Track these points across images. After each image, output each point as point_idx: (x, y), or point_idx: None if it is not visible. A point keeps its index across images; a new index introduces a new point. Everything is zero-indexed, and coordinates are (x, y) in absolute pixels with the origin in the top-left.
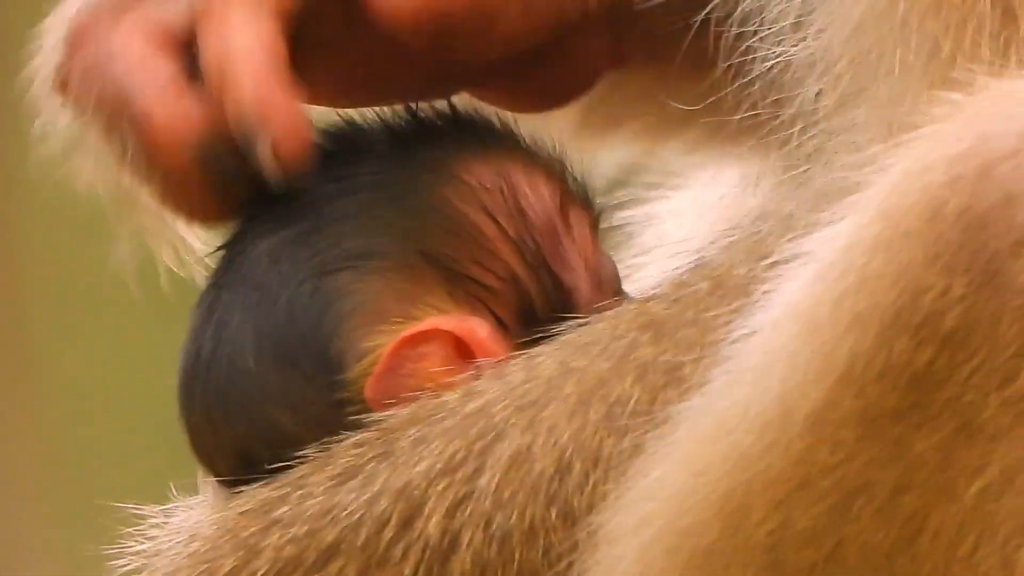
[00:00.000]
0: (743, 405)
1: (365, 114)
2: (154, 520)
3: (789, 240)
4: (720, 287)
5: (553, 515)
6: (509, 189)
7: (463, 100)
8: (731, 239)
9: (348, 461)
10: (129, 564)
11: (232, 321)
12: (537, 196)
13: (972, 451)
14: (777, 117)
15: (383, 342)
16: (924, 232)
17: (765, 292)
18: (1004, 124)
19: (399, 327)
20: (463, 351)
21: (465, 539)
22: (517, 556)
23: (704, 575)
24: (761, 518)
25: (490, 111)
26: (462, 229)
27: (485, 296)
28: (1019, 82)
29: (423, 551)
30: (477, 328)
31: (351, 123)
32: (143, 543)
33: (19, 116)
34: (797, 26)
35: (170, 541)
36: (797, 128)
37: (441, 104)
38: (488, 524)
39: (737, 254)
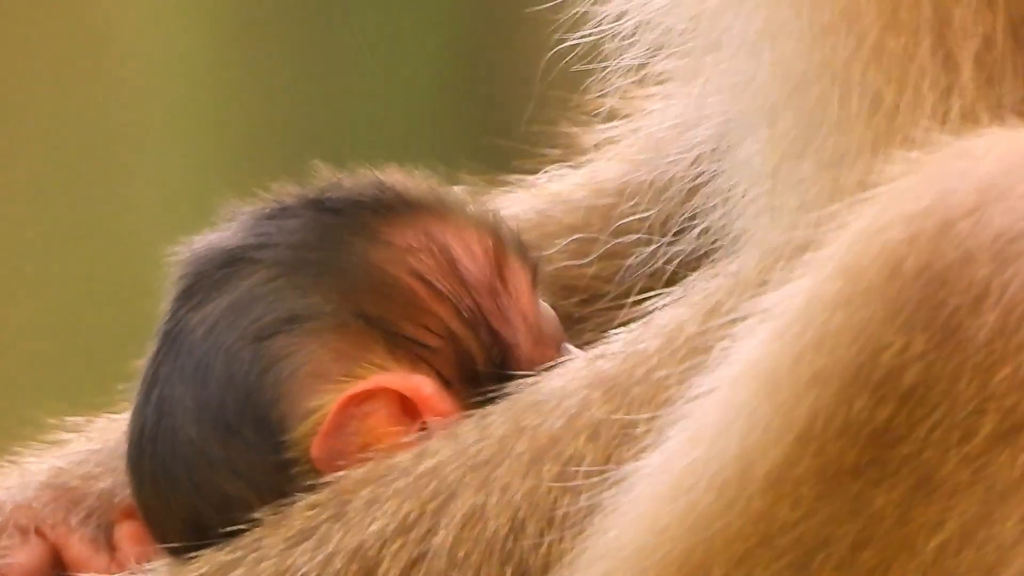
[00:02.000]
0: (702, 463)
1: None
2: None
3: (741, 297)
4: (670, 344)
5: (508, 574)
6: (440, 250)
7: (387, 171)
8: (681, 296)
9: (301, 523)
10: None
11: (172, 394)
12: (470, 255)
13: (931, 507)
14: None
15: (327, 401)
16: (884, 289)
17: (722, 350)
18: (962, 182)
19: (343, 386)
20: (409, 409)
21: None
22: None
23: None
24: (722, 575)
25: (416, 177)
26: (394, 291)
27: (425, 354)
28: (975, 140)
29: None
30: (422, 385)
31: (276, 193)
32: None
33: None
34: (741, 82)
35: None
36: (739, 182)
37: (365, 174)
38: None
39: (687, 311)
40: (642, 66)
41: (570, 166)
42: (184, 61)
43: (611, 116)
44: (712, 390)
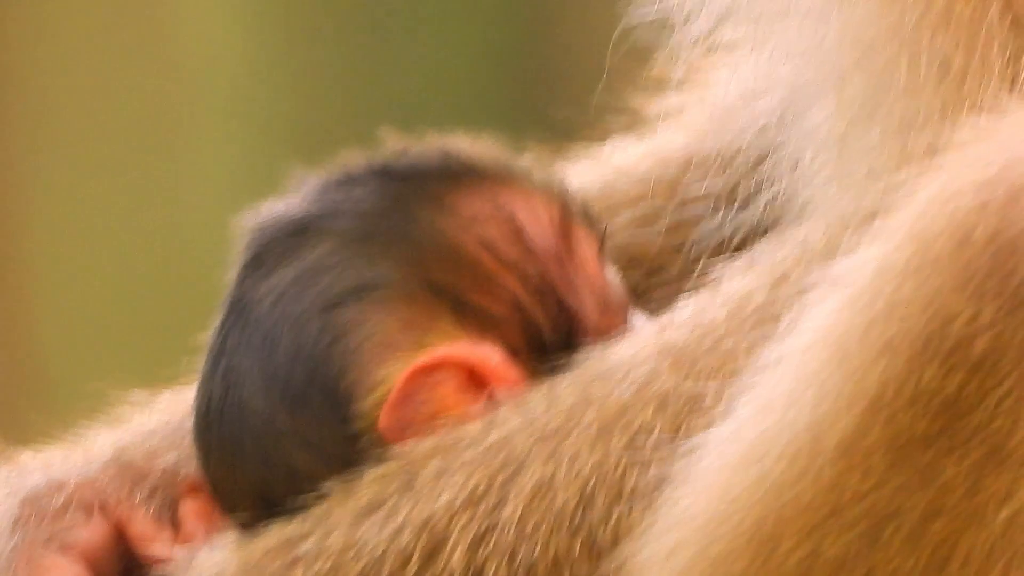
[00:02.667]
0: (773, 432)
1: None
2: (181, 559)
3: (809, 266)
4: (738, 313)
5: (578, 547)
6: (506, 219)
7: (453, 139)
8: (748, 265)
9: (370, 495)
10: None
11: (239, 365)
12: (536, 224)
13: (1001, 477)
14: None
15: (395, 371)
16: (953, 258)
17: (791, 319)
18: None
19: (411, 356)
20: (476, 379)
21: (490, 572)
22: None
23: None
24: (792, 546)
25: (482, 145)
26: (461, 260)
27: (492, 324)
28: None
29: None
30: (490, 355)
31: (343, 161)
32: None
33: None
34: (808, 49)
35: None
36: (807, 151)
37: (431, 142)
38: (512, 557)
39: (754, 280)
40: (709, 35)
41: (635, 137)
42: (249, 28)
43: (677, 86)
44: (782, 359)
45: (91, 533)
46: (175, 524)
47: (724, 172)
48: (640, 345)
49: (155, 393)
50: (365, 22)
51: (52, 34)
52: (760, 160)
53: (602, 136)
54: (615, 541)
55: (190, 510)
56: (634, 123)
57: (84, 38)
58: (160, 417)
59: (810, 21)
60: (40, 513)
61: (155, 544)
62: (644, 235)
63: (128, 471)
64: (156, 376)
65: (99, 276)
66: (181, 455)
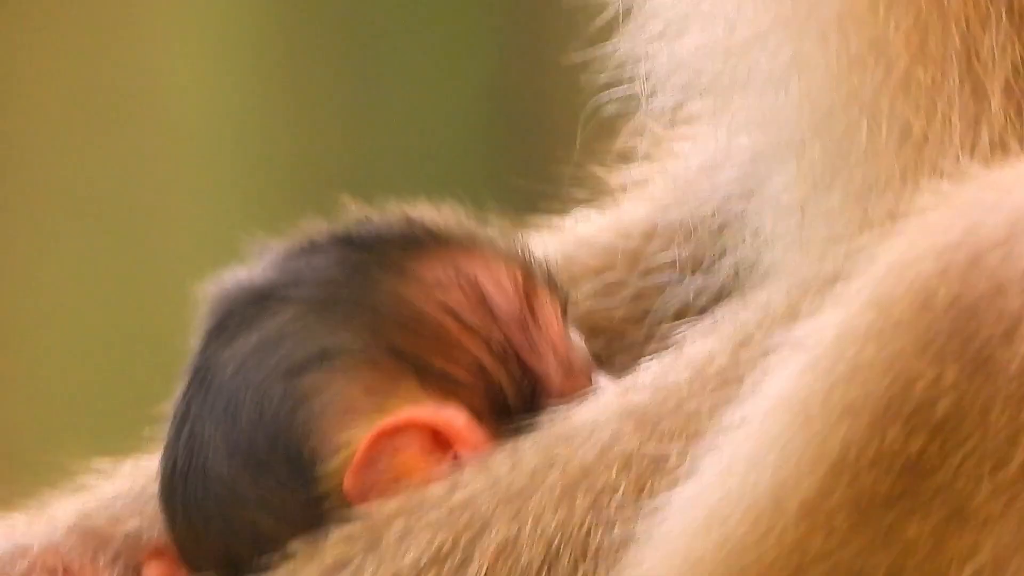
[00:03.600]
0: (735, 495)
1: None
2: None
3: (771, 329)
4: (700, 375)
5: None
6: (469, 284)
7: (415, 207)
8: (710, 327)
9: (336, 555)
10: None
11: (203, 431)
12: (499, 288)
13: (964, 537)
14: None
15: (359, 435)
16: (915, 321)
17: (753, 381)
18: (993, 214)
19: (374, 419)
20: (440, 442)
21: None
22: None
23: None
24: None
25: (444, 212)
26: (424, 325)
27: (456, 388)
28: (1005, 171)
29: None
30: (453, 418)
31: (304, 230)
32: None
33: None
34: (768, 117)
35: None
36: (768, 217)
37: (393, 210)
38: None
39: (717, 343)
40: (673, 108)
41: (596, 208)
42: (215, 100)
43: (638, 158)
44: (744, 422)
45: None
46: None
47: (687, 241)
48: (603, 407)
49: (118, 462)
50: (326, 95)
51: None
52: (723, 228)
53: (565, 207)
54: None
55: (153, 574)
56: (597, 194)
57: (63, 93)
58: (123, 484)
59: (770, 89)
60: None
61: None
62: (606, 305)
63: (91, 536)
64: (117, 447)
65: (59, 345)
66: (144, 521)
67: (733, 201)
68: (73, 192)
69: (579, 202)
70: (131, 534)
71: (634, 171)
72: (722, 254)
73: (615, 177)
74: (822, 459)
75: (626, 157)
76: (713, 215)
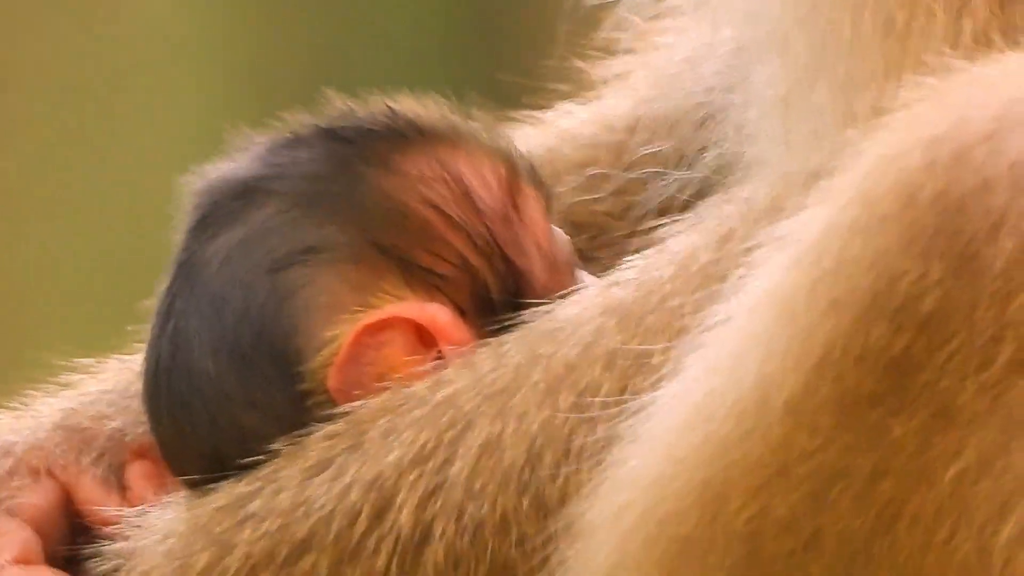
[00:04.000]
0: (720, 392)
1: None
2: (130, 519)
3: (755, 224)
4: (684, 271)
5: (525, 505)
6: (453, 179)
7: (399, 100)
8: (694, 223)
9: (319, 454)
10: (105, 563)
11: (187, 327)
12: (483, 183)
13: (949, 436)
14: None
15: (343, 331)
16: (900, 217)
17: (738, 278)
18: (979, 109)
19: (358, 316)
20: (424, 338)
21: (438, 530)
22: (490, 547)
23: (683, 564)
24: (739, 506)
25: (429, 106)
26: (408, 220)
27: (440, 283)
28: (991, 65)
29: (395, 543)
30: (437, 314)
31: (288, 123)
32: (119, 542)
33: None
34: (751, 10)
35: (145, 539)
36: (752, 111)
37: (377, 103)
38: (460, 515)
39: (700, 238)
40: (653, 1)
41: (579, 102)
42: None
43: (620, 51)
44: (729, 319)
45: (38, 497)
46: (122, 488)
47: (670, 135)
48: (585, 304)
49: (101, 360)
50: None
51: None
52: (706, 122)
53: (546, 101)
54: (563, 500)
55: (137, 474)
56: (578, 88)
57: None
58: (107, 382)
59: None
60: None
61: (103, 508)
62: (589, 199)
63: (75, 435)
64: (101, 344)
65: (40, 243)
66: (127, 420)
67: (716, 94)
68: (57, 82)
69: (562, 96)
70: (115, 432)
71: (617, 64)
72: (705, 148)
73: (598, 70)
74: (806, 356)
75: (609, 50)
76: (696, 108)
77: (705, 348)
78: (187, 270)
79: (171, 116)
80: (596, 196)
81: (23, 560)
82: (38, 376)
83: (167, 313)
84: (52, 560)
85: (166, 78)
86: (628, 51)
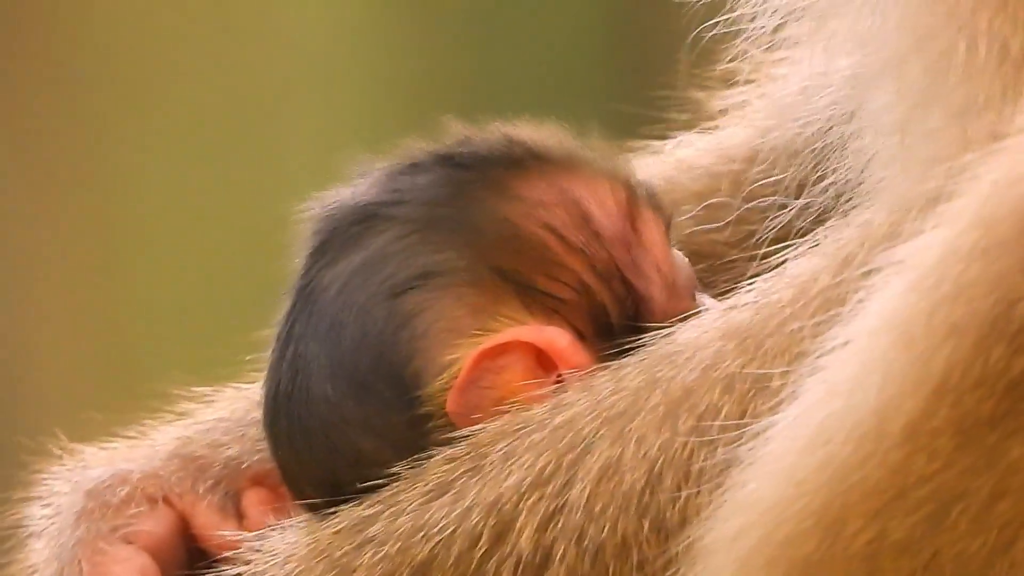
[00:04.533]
0: (839, 416)
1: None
2: (250, 543)
3: (873, 248)
4: (803, 295)
5: (646, 528)
6: (572, 203)
7: (517, 126)
8: (812, 247)
9: (439, 477)
10: None
11: (306, 352)
12: (602, 207)
13: None
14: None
15: (462, 355)
16: (1019, 240)
17: (857, 302)
18: None
19: (478, 340)
20: (544, 362)
21: (558, 553)
22: (611, 570)
23: None
24: (858, 528)
25: (547, 131)
26: (527, 245)
27: (559, 307)
28: None
29: (516, 566)
30: (557, 338)
31: (407, 149)
32: (239, 566)
33: None
34: (867, 38)
35: (266, 563)
36: (868, 138)
37: (495, 129)
38: (581, 538)
39: (819, 261)
40: (773, 32)
41: (698, 132)
42: (325, 19)
43: (738, 82)
44: (848, 342)
45: (155, 524)
46: (239, 515)
47: (789, 165)
48: (705, 327)
49: (217, 389)
50: (432, 17)
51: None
52: (824, 151)
53: (664, 131)
54: (683, 523)
55: (253, 501)
56: (696, 118)
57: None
58: (222, 411)
59: (868, 11)
60: (104, 505)
61: (219, 534)
62: (708, 229)
63: (191, 463)
64: (217, 374)
65: (165, 267)
66: (244, 448)
67: (834, 123)
68: (184, 107)
69: (681, 126)
70: (231, 459)
71: (735, 95)
72: (824, 176)
73: (716, 101)
74: (926, 380)
75: (727, 81)
76: (815, 138)
77: (824, 372)
78: (306, 296)
79: (295, 142)
80: (715, 226)
81: None
82: (155, 405)
83: (287, 338)
84: None
85: (293, 101)
86: (746, 82)
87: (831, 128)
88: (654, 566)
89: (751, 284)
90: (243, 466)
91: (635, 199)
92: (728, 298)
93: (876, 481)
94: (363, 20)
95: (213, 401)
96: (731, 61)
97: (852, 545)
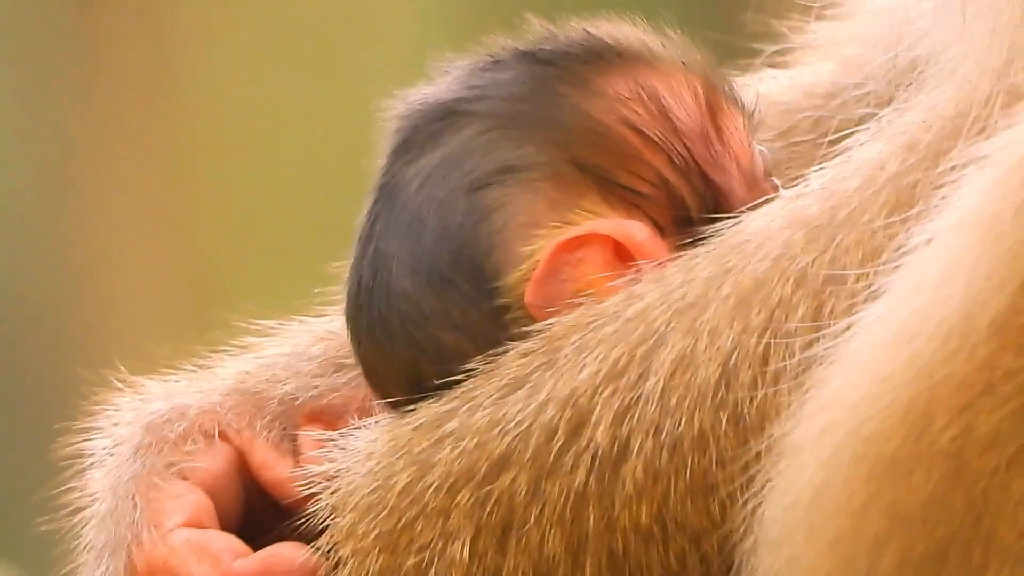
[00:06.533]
0: (925, 312)
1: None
2: (334, 442)
3: (940, 133)
4: (871, 184)
5: (724, 422)
6: (651, 98)
7: (597, 23)
8: (876, 132)
9: (514, 371)
10: (310, 485)
11: (387, 248)
12: (681, 103)
13: None
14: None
15: (541, 247)
16: None
17: (939, 197)
18: None
19: (556, 232)
20: (622, 254)
21: (635, 446)
22: (689, 463)
23: (888, 481)
24: (944, 424)
25: (626, 28)
26: (607, 139)
27: (639, 201)
28: None
29: (593, 459)
30: (636, 231)
31: (489, 46)
32: (323, 464)
33: None
34: None
35: (348, 461)
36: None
37: (575, 26)
38: (657, 431)
39: (885, 147)
40: None
41: (781, 66)
42: None
43: (822, 14)
44: (932, 239)
45: (211, 461)
46: (295, 452)
47: (870, 99)
48: (772, 215)
49: (283, 322)
50: None
51: None
52: (915, 65)
53: (749, 63)
54: (762, 420)
55: (309, 438)
56: (781, 51)
57: None
58: (284, 345)
59: None
60: (162, 440)
61: (276, 471)
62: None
63: (249, 399)
64: (288, 304)
65: (236, 202)
66: (300, 383)
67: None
68: (266, 10)
69: (763, 58)
70: (287, 395)
71: (819, 26)
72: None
73: (800, 32)
74: (1012, 276)
75: (807, 13)
76: (907, 52)
77: (909, 268)
78: (387, 193)
79: (375, 41)
80: (797, 161)
81: (195, 523)
82: (219, 337)
83: (368, 235)
84: (225, 524)
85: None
86: (829, 14)
87: (919, 41)
88: (735, 464)
89: (818, 170)
90: (297, 402)
91: (715, 93)
92: (796, 186)
93: (962, 377)
94: None
95: (277, 334)
96: None
97: (938, 441)
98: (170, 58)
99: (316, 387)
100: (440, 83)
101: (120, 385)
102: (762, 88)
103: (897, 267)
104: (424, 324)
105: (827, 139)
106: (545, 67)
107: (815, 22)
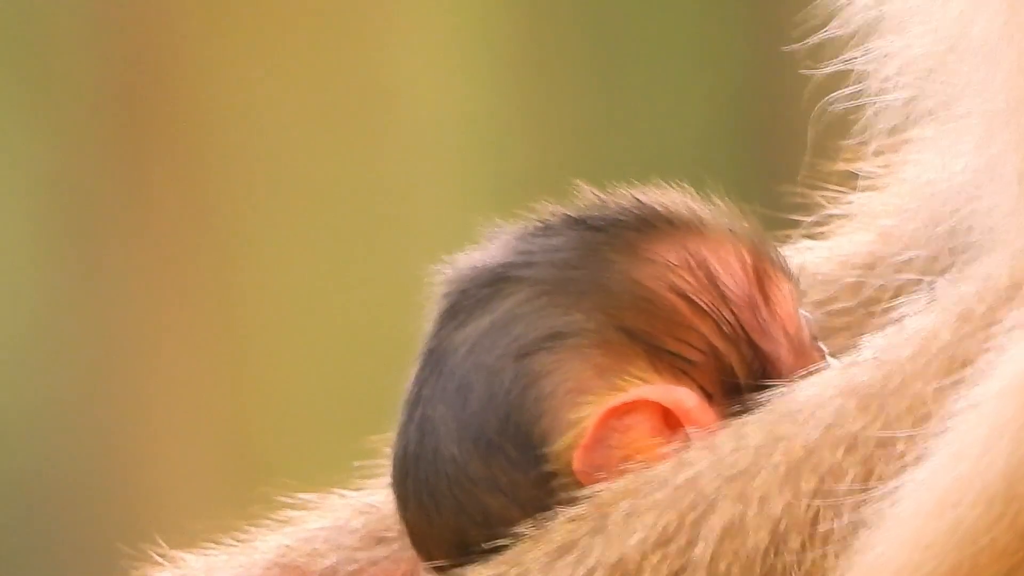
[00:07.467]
0: (968, 479)
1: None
2: None
3: (993, 303)
4: (924, 353)
5: None
6: (700, 265)
7: (646, 190)
8: (930, 301)
9: (562, 536)
10: None
11: (434, 413)
12: (729, 270)
13: None
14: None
15: (589, 414)
16: None
17: (984, 362)
18: None
19: (605, 399)
20: (670, 421)
21: None
22: None
23: None
24: None
25: (675, 195)
26: (656, 307)
27: (687, 368)
28: None
29: None
30: (684, 398)
31: (539, 212)
32: None
33: None
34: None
35: None
36: (988, 191)
37: (625, 193)
38: None
39: (939, 317)
40: (893, 131)
41: (819, 237)
42: (454, 87)
43: (860, 185)
44: (976, 404)
45: None
46: None
47: (925, 246)
48: (825, 384)
49: (323, 495)
50: (573, 88)
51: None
52: (957, 230)
53: (786, 234)
54: None
55: None
56: (817, 221)
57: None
58: (324, 519)
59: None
60: None
61: None
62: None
63: (290, 573)
64: (325, 480)
65: (274, 374)
66: (340, 557)
67: (968, 202)
68: (311, 180)
69: (802, 229)
70: (327, 570)
71: (855, 197)
72: (958, 252)
73: (838, 204)
74: None
75: (849, 183)
76: (949, 216)
77: (952, 434)
78: (435, 358)
79: (425, 209)
80: (837, 330)
81: None
82: (260, 512)
83: (415, 400)
84: None
85: (422, 167)
86: (866, 184)
87: (965, 207)
88: None
89: (870, 339)
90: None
91: (762, 261)
92: (847, 354)
93: (1005, 544)
94: (497, 84)
95: (317, 508)
96: (853, 162)
97: None
98: (215, 238)
99: (357, 561)
100: (489, 248)
101: (160, 560)
102: (799, 259)
103: (942, 432)
104: (471, 489)
105: (868, 309)
106: (595, 233)
107: (852, 193)
